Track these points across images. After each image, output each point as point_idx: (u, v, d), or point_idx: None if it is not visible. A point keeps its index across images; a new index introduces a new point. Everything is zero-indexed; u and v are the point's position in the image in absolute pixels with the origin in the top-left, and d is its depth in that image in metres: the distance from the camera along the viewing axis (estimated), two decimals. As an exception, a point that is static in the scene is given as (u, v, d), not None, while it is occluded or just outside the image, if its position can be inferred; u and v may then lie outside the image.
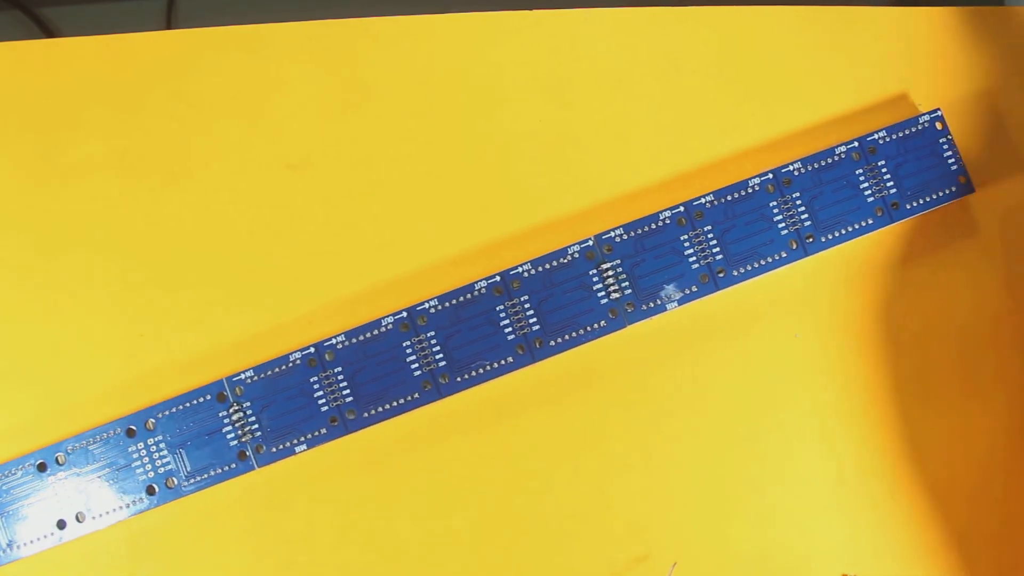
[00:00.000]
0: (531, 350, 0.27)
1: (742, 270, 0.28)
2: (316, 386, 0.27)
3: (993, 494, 0.29)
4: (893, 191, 0.28)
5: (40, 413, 0.27)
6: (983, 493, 0.29)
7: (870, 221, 0.28)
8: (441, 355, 0.27)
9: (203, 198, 0.28)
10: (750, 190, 0.28)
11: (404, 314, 0.27)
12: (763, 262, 0.28)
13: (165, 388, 0.27)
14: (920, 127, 0.29)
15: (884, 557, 0.29)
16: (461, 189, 0.29)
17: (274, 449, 0.26)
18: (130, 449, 0.26)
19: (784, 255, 0.28)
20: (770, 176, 0.28)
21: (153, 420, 0.26)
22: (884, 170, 0.28)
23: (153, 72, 0.29)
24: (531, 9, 0.30)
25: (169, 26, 0.44)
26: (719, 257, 0.28)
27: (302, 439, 0.26)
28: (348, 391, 0.27)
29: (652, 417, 0.29)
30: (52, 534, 0.26)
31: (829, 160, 0.28)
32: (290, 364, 0.27)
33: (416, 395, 0.27)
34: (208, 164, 0.28)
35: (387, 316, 0.27)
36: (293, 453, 0.26)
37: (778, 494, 0.29)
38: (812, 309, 0.29)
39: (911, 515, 0.29)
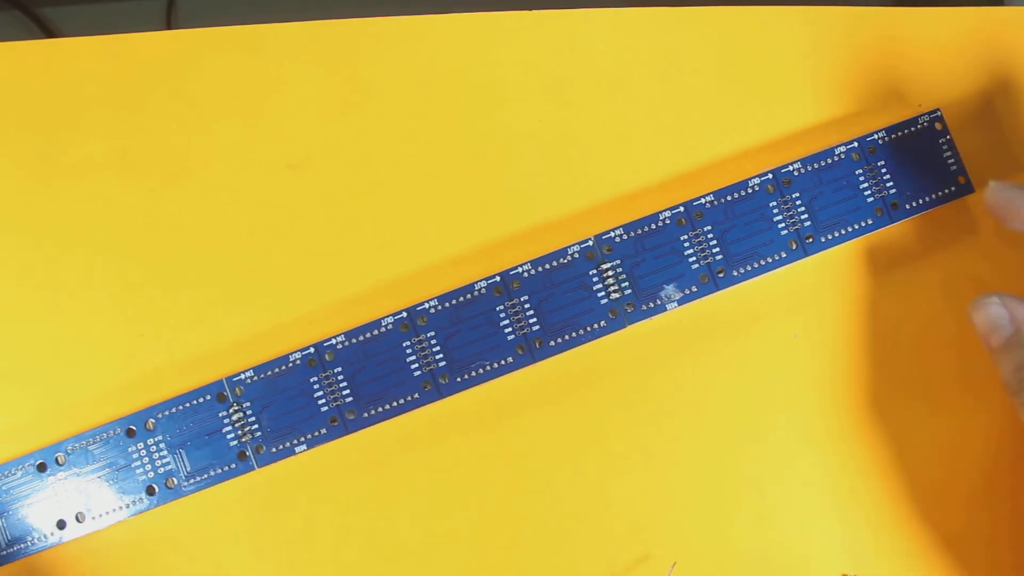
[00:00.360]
0: (531, 350, 0.27)
1: (742, 270, 0.28)
2: (316, 386, 0.27)
3: (993, 494, 0.29)
4: (893, 191, 0.28)
5: (40, 413, 0.27)
6: (983, 493, 0.29)
7: (870, 221, 0.28)
8: (441, 355, 0.27)
9: (203, 198, 0.28)
10: (750, 190, 0.28)
11: (404, 314, 0.27)
12: (763, 262, 0.28)
13: (165, 388, 0.27)
14: (920, 127, 0.29)
15: (884, 557, 0.29)
16: (461, 189, 0.29)
17: (274, 449, 0.26)
18: (130, 449, 0.26)
19: (784, 255, 0.28)
20: (770, 176, 0.28)
21: (153, 420, 0.26)
22: (884, 170, 0.28)
23: (153, 72, 0.29)
24: (531, 9, 0.30)
25: (169, 26, 0.44)
26: (719, 257, 0.28)
27: (302, 439, 0.26)
28: (348, 391, 0.27)
29: (652, 417, 0.29)
30: (52, 534, 0.26)
31: (829, 160, 0.28)
32: (290, 364, 0.27)
33: (416, 395, 0.27)
34: (208, 164, 0.28)
35: (387, 316, 0.27)
36: (293, 453, 0.26)
37: (778, 494, 0.29)
38: (812, 309, 0.29)
39: (911, 515, 0.29)
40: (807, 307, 0.29)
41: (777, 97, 0.30)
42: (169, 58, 0.29)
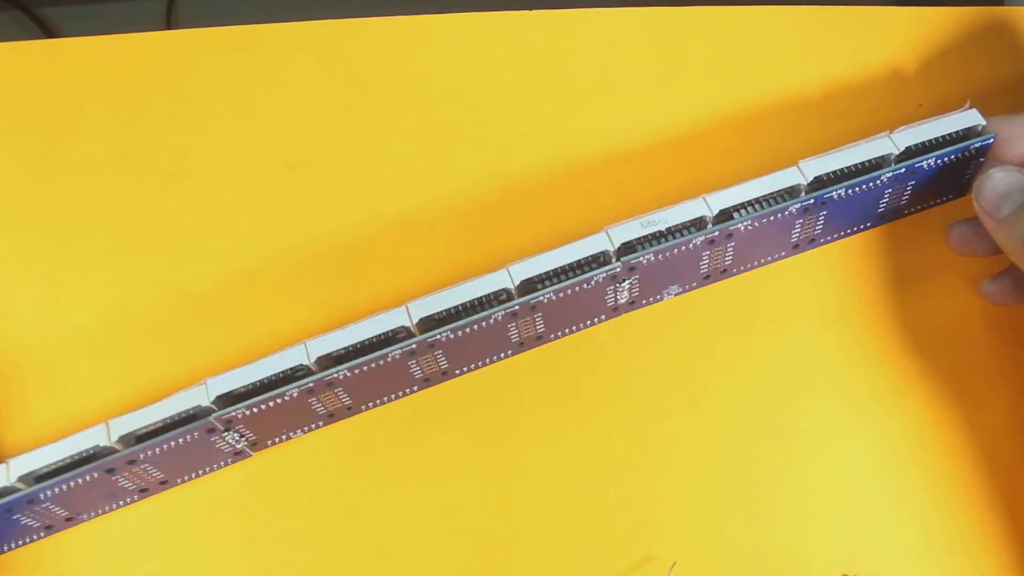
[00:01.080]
0: (531, 345, 0.27)
1: (743, 267, 0.28)
2: (314, 403, 0.25)
3: (994, 494, 0.29)
4: (905, 200, 0.28)
5: (40, 412, 0.27)
6: (984, 492, 0.29)
7: (868, 224, 0.28)
8: (445, 362, 0.26)
9: (203, 198, 0.28)
10: (786, 213, 0.26)
11: (414, 345, 0.25)
12: (760, 261, 0.28)
13: (166, 388, 0.27)
14: (969, 153, 0.27)
15: (885, 557, 0.29)
16: (461, 189, 0.29)
17: (269, 443, 0.26)
18: (114, 478, 0.25)
19: (782, 253, 0.28)
20: (811, 201, 0.26)
21: (135, 462, 0.24)
22: (911, 184, 0.27)
23: (153, 72, 0.29)
24: (531, 9, 0.30)
25: (169, 26, 0.44)
26: (729, 262, 0.27)
27: (297, 431, 0.26)
28: (347, 398, 0.26)
29: (652, 417, 0.29)
30: (40, 535, 0.25)
31: (870, 186, 0.26)
32: (287, 397, 0.24)
33: (415, 388, 0.27)
34: (208, 164, 0.28)
35: (395, 348, 0.25)
36: (288, 439, 0.26)
37: (778, 494, 0.29)
38: (812, 309, 0.29)
39: (911, 515, 0.29)
40: (807, 307, 0.29)
41: (777, 97, 0.30)
42: (169, 58, 0.29)
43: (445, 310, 0.25)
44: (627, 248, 0.25)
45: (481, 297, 0.25)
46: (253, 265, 0.28)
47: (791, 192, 0.26)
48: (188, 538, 0.27)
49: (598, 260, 0.25)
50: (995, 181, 0.25)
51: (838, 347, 0.29)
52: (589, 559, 0.28)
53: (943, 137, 0.26)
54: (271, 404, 0.24)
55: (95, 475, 0.24)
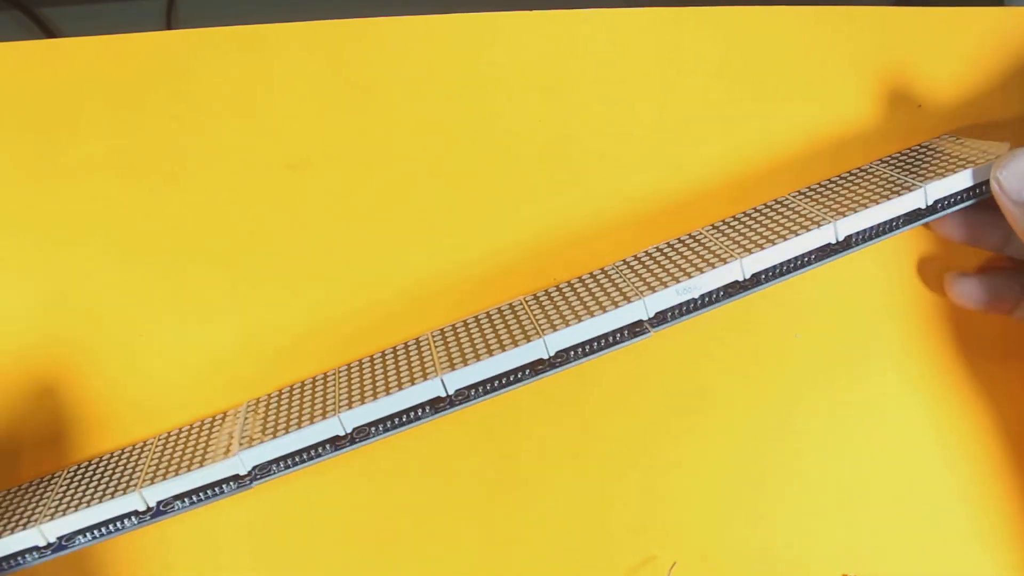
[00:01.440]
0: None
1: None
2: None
3: (994, 494, 0.29)
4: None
5: (40, 414, 0.27)
6: (983, 493, 0.29)
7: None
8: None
9: (203, 198, 0.28)
10: (805, 260, 0.26)
11: (432, 414, 0.25)
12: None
13: (163, 386, 0.27)
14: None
15: (885, 557, 0.29)
16: (461, 189, 0.29)
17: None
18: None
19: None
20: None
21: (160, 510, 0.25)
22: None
23: (153, 72, 0.29)
24: (531, 9, 0.30)
25: (169, 26, 0.44)
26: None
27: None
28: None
29: (652, 417, 0.29)
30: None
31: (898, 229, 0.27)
32: (314, 455, 0.25)
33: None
34: (208, 164, 0.28)
35: (428, 417, 0.25)
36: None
37: (778, 494, 0.29)
38: (812, 309, 0.29)
39: (911, 515, 0.29)
40: (807, 307, 0.29)
41: (777, 97, 0.30)
42: (169, 58, 0.29)
43: (480, 381, 0.25)
44: (661, 316, 0.26)
45: (516, 368, 0.25)
46: (253, 265, 0.28)
47: (823, 249, 0.26)
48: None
49: (632, 327, 0.26)
50: (1018, 166, 0.25)
51: (838, 347, 0.29)
52: (590, 559, 0.28)
53: (975, 186, 0.26)
54: (293, 452, 0.25)
55: (128, 520, 0.25)
